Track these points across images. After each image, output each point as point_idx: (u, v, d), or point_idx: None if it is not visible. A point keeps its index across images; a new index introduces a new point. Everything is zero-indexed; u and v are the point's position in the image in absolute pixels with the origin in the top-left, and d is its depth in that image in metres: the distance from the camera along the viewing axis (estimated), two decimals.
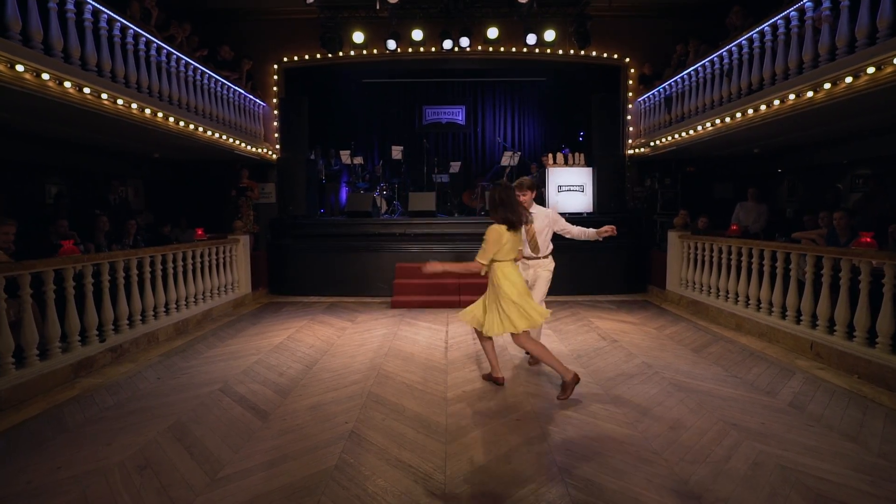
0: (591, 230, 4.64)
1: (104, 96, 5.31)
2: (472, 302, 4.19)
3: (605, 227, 4.52)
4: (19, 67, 4.38)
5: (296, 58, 9.70)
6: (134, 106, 5.78)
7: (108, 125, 6.01)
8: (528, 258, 4.64)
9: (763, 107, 6.01)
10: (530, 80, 12.73)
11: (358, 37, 8.96)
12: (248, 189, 8.97)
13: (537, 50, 9.40)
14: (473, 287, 7.79)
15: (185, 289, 6.49)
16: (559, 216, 4.79)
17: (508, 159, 10.40)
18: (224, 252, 7.59)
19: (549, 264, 4.74)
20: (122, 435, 3.35)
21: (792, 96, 5.52)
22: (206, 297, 7.04)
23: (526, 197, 4.53)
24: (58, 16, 4.85)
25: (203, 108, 7.41)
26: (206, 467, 2.94)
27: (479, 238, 7.22)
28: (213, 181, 9.92)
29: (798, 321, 5.31)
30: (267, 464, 2.97)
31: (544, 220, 4.63)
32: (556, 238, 4.69)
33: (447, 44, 9.06)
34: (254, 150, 8.99)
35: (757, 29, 6.19)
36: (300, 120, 9.67)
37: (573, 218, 9.11)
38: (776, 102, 5.79)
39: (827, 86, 5.07)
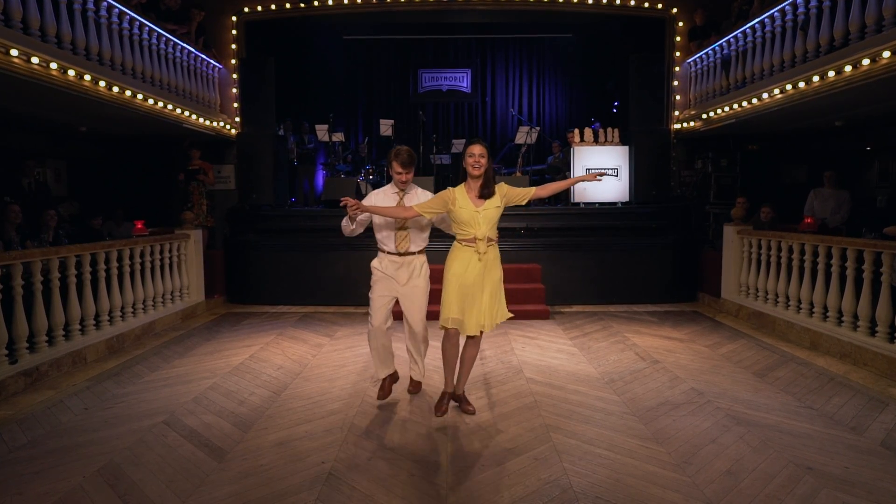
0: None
1: (14, 53, 5.26)
2: None
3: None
4: None
5: (259, 8, 9.69)
6: (53, 66, 5.74)
7: (21, 91, 5.97)
8: (399, 253, 4.39)
9: (848, 68, 5.96)
10: (552, 37, 12.75)
11: None
12: (201, 172, 8.96)
13: None
14: None
15: (121, 297, 6.46)
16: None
17: (524, 136, 10.39)
18: (170, 251, 7.57)
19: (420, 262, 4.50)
20: (38, 481, 3.31)
21: (887, 53, 5.46)
22: (148, 307, 7.02)
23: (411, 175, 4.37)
24: None
25: (142, 71, 7.39)
26: None
27: None
28: (156, 162, 9.92)
29: (892, 339, 5.28)
30: None
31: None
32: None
33: None
34: (207, 123, 8.97)
35: None
36: (266, 86, 9.66)
37: (602, 209, 9.28)
38: (865, 62, 5.73)
39: None
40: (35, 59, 5.50)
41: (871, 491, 3.13)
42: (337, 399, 4.65)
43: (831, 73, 6.19)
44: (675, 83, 9.81)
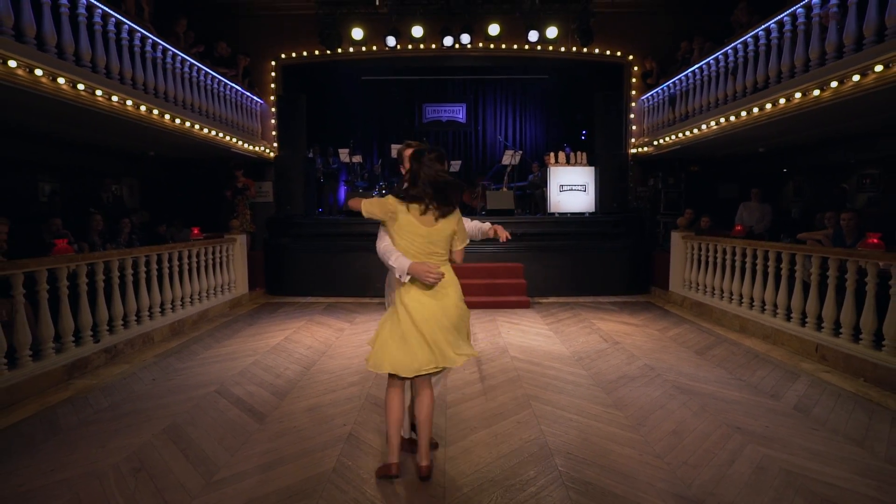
0: (486, 224, 3.32)
1: (98, 93, 5.31)
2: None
3: (499, 227, 3.28)
4: (12, 63, 4.39)
5: (294, 55, 9.71)
6: (129, 103, 5.78)
7: (103, 122, 6.01)
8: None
9: (769, 105, 6.01)
10: (532, 78, 12.74)
11: (357, 33, 8.97)
12: (245, 188, 8.98)
13: (539, 47, 9.41)
14: (477, 288, 7.80)
15: (181, 289, 6.48)
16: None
17: (509, 158, 10.39)
18: (220, 252, 7.58)
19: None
20: (116, 437, 3.35)
21: (798, 95, 5.52)
22: (203, 298, 7.03)
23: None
24: (51, 11, 4.86)
25: (200, 106, 7.41)
26: (201, 470, 2.94)
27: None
28: (209, 180, 9.94)
29: (803, 323, 5.32)
30: (264, 466, 2.97)
31: None
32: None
33: (448, 41, 9.08)
34: (251, 148, 8.99)
35: (763, 26, 6.20)
36: (298, 118, 9.67)
37: (573, 218, 9.29)
38: (782, 101, 5.79)
39: (834, 84, 5.07)
40: (115, 98, 5.54)
41: (786, 445, 3.17)
42: (356, 373, 4.65)
43: (755, 110, 6.24)
44: (632, 116, 9.84)
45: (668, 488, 2.72)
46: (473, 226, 3.25)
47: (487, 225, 3.30)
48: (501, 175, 10.86)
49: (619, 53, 9.70)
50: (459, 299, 2.79)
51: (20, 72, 4.49)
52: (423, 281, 2.65)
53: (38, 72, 4.63)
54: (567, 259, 8.67)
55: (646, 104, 9.57)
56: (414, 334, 2.65)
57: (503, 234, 3.24)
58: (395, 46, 9.05)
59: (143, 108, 6.02)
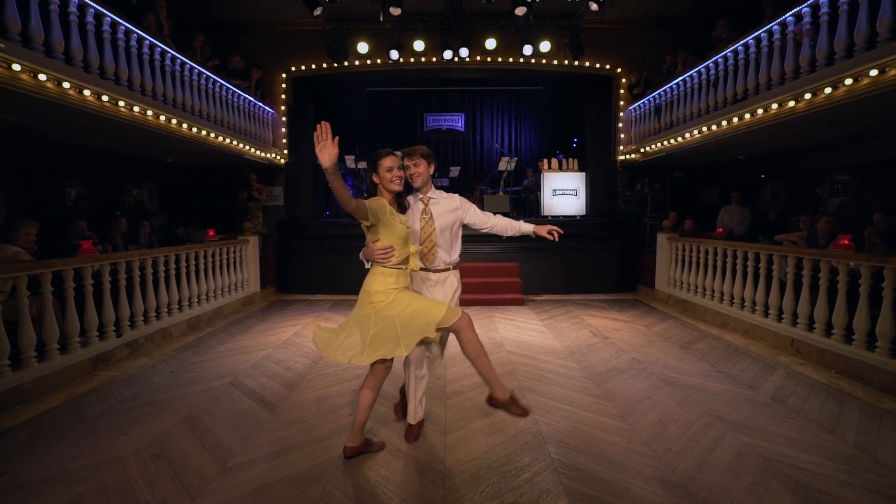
0: (527, 225, 3.25)
1: (121, 104, 5.33)
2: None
3: (549, 227, 3.20)
4: (42, 77, 4.41)
5: (303, 67, 9.73)
6: (149, 113, 5.79)
7: (125, 131, 6.03)
8: (429, 270, 3.09)
9: (747, 115, 6.03)
10: (527, 89, 12.76)
11: (362, 47, 8.99)
12: (257, 191, 9.00)
13: (533, 60, 9.43)
14: (475, 286, 7.81)
15: (198, 287, 6.50)
16: (470, 203, 3.23)
17: (505, 164, 10.41)
18: (234, 252, 7.60)
19: (456, 280, 3.15)
20: (137, 425, 3.37)
21: (774, 106, 5.55)
22: (218, 295, 7.05)
23: (420, 168, 3.00)
24: (78, 27, 4.88)
25: (215, 115, 7.41)
26: (217, 456, 2.96)
27: (474, 239, 7.26)
28: (224, 184, 9.96)
29: (780, 319, 5.33)
30: (274, 454, 2.99)
31: (449, 211, 3.10)
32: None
33: (447, 54, 9.10)
34: (263, 154, 9.00)
35: (742, 41, 6.22)
36: (307, 126, 9.69)
37: (565, 221, 9.30)
38: (759, 111, 5.81)
39: (807, 96, 5.10)
40: (136, 108, 5.56)
41: (764, 433, 3.19)
42: (361, 367, 4.65)
43: (735, 120, 6.26)
44: (620, 125, 9.85)
45: (654, 474, 2.74)
46: (506, 222, 3.29)
47: (529, 226, 3.28)
48: (498, 180, 10.88)
49: (608, 66, 9.72)
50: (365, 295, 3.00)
51: (49, 85, 4.51)
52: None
53: (66, 84, 4.65)
54: (559, 259, 8.70)
55: (633, 114, 9.57)
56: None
57: (556, 232, 3.22)
58: (398, 59, 9.07)
59: (162, 117, 6.03)
